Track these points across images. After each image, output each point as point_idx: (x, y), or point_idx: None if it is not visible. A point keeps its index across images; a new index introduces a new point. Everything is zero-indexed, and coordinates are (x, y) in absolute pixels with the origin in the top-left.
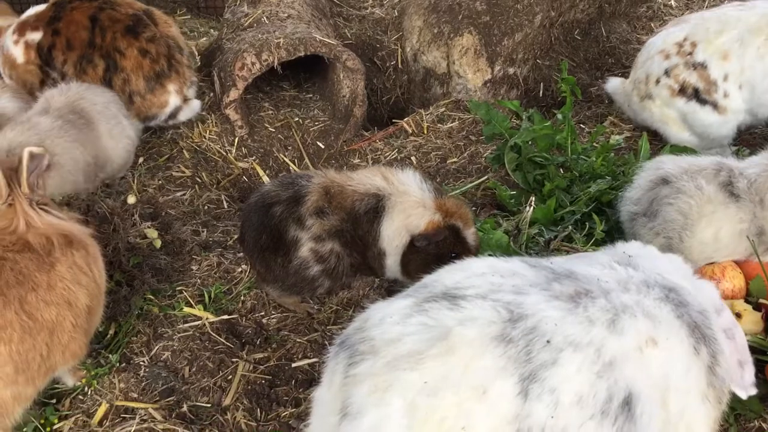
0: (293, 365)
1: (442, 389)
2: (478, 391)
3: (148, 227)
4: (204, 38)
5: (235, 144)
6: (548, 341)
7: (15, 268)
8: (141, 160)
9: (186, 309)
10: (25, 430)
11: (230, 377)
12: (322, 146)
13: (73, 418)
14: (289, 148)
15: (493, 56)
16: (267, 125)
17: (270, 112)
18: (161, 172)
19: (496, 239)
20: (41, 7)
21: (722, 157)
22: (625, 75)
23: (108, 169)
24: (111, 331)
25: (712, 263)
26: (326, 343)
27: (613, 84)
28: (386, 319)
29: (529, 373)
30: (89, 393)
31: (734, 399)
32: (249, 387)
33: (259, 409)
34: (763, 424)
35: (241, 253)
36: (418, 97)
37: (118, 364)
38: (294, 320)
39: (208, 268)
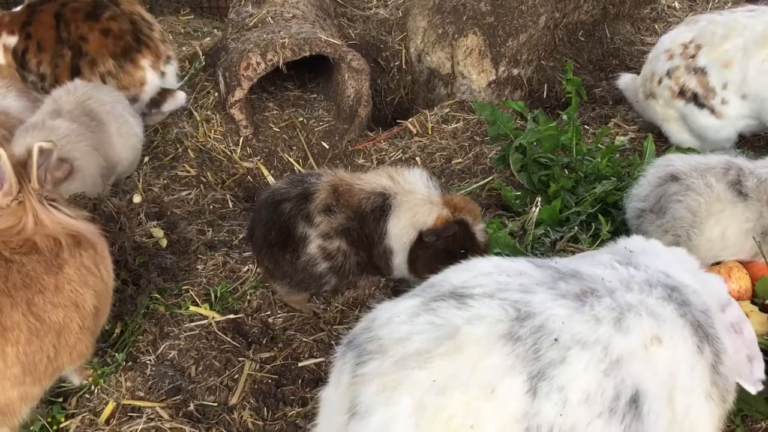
0: (300, 364)
1: (450, 388)
2: (486, 390)
3: (154, 226)
4: (208, 38)
5: (240, 144)
6: (556, 339)
7: (22, 270)
8: (146, 159)
9: (192, 308)
10: (32, 428)
11: (237, 376)
12: (327, 146)
13: (80, 417)
14: (294, 148)
15: (498, 57)
16: (272, 125)
17: (274, 112)
18: (166, 172)
19: (503, 240)
20: (17, 9)
21: (731, 157)
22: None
23: (119, 168)
24: (117, 330)
25: (718, 263)
26: (332, 342)
27: (625, 80)
28: (394, 318)
29: (538, 371)
30: (96, 392)
31: (741, 400)
32: (255, 386)
33: (265, 409)
34: None
35: (247, 253)
36: (422, 97)
37: (124, 363)
38: (300, 320)
39: (213, 267)
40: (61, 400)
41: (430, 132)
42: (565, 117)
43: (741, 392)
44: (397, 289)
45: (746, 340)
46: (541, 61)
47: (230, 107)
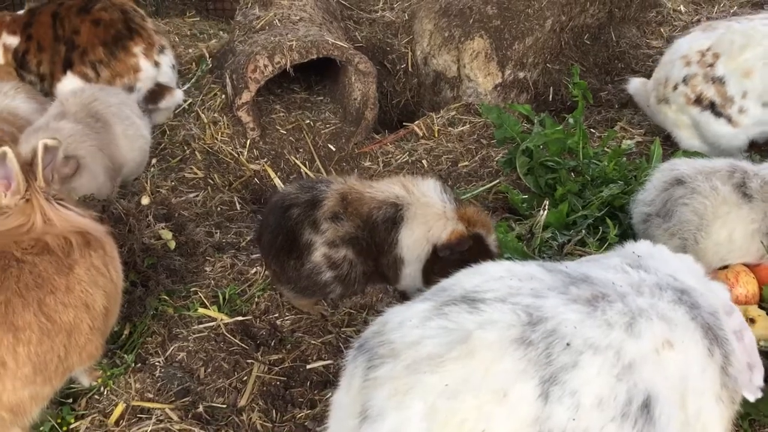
0: (308, 367)
1: (462, 392)
2: (498, 394)
3: (163, 228)
4: (214, 40)
5: (247, 146)
6: (568, 344)
7: (34, 271)
8: (154, 161)
9: (201, 310)
10: (42, 429)
11: (245, 378)
12: (333, 149)
13: (89, 418)
14: (301, 150)
15: (504, 60)
16: (278, 127)
17: (281, 114)
18: (174, 174)
19: (511, 243)
20: (21, 12)
21: (736, 160)
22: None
23: (125, 170)
24: (126, 332)
25: (725, 268)
26: (341, 345)
27: (635, 84)
28: (405, 322)
29: (550, 375)
30: (105, 393)
31: (748, 404)
32: (264, 388)
33: (274, 410)
34: None
35: (255, 255)
36: (428, 100)
37: (133, 365)
38: (308, 322)
39: (221, 269)
40: (71, 401)
41: (436, 135)
42: (571, 120)
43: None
44: (405, 293)
45: (746, 348)
46: (547, 65)
47: (237, 109)
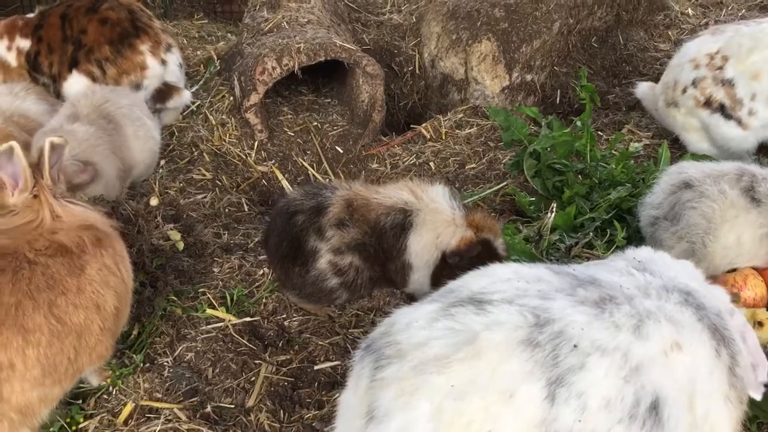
0: (315, 368)
1: (468, 393)
2: (505, 395)
3: (171, 229)
4: (222, 42)
5: (255, 148)
6: (575, 346)
7: (46, 272)
8: (162, 162)
9: (209, 311)
10: (51, 429)
11: (253, 379)
12: (341, 151)
13: (98, 418)
14: (308, 152)
15: (512, 63)
16: (286, 129)
17: (289, 116)
18: (182, 175)
19: (519, 245)
20: (31, 15)
21: (744, 163)
22: (642, 82)
23: (135, 171)
24: (135, 332)
25: (733, 271)
26: (348, 346)
27: (643, 88)
28: (412, 323)
29: (557, 377)
30: (114, 393)
31: (755, 406)
32: (272, 389)
33: (282, 411)
34: None
35: (262, 256)
36: (435, 102)
37: (142, 365)
38: (315, 323)
39: (229, 270)
40: (80, 401)
41: (443, 137)
42: (579, 123)
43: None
44: (413, 295)
45: (750, 348)
46: (555, 67)
47: (245, 111)
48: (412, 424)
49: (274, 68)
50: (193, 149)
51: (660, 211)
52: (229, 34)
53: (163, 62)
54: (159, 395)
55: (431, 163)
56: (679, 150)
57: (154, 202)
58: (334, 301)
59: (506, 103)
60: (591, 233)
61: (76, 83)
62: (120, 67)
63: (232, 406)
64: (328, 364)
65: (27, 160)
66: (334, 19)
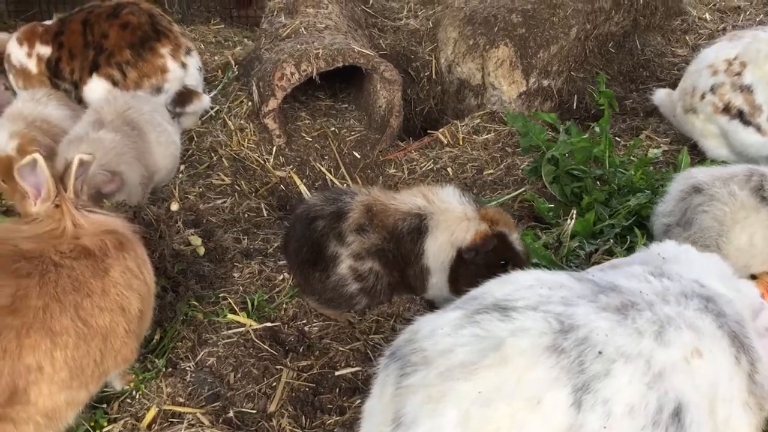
0: (336, 373)
1: (495, 400)
2: (531, 402)
3: (192, 234)
4: (239, 47)
5: (273, 153)
6: (600, 352)
7: (72, 275)
8: (182, 167)
9: (230, 316)
10: None
11: (275, 384)
12: (358, 156)
13: (122, 422)
14: (326, 157)
15: (529, 68)
16: (304, 134)
17: (307, 121)
18: (201, 180)
19: (539, 252)
20: (50, 22)
21: (754, 165)
22: (659, 88)
23: (158, 177)
24: (157, 336)
25: (754, 278)
26: (368, 352)
27: (660, 95)
28: (437, 330)
29: (582, 383)
30: (137, 397)
31: None
32: (293, 394)
33: (303, 416)
34: None
35: (282, 261)
36: (451, 108)
37: (164, 369)
38: (336, 329)
39: (249, 275)
40: (104, 405)
41: (461, 143)
42: (597, 129)
43: None
44: (432, 302)
45: None
46: (572, 72)
47: (264, 117)
48: (439, 430)
49: (292, 74)
50: (212, 154)
51: (672, 219)
52: (245, 39)
53: (184, 65)
54: (182, 400)
55: (449, 169)
56: (697, 156)
57: (174, 207)
58: (354, 307)
59: (523, 109)
60: (611, 240)
61: (96, 87)
62: (141, 71)
63: (254, 411)
64: (349, 369)
65: (50, 171)
66: (351, 25)
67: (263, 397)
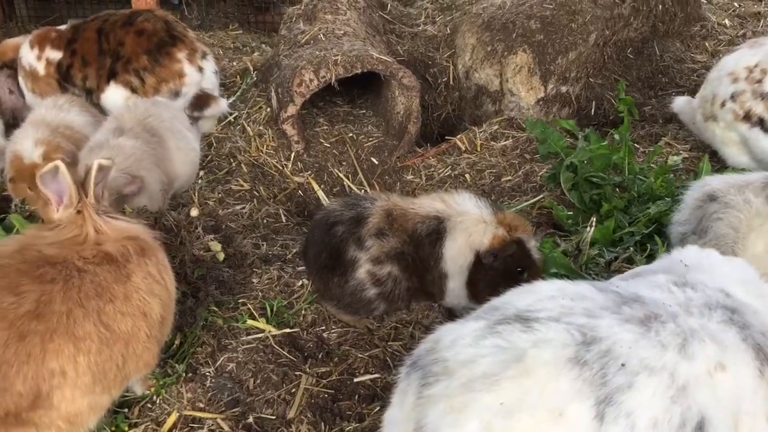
0: (355, 380)
1: (518, 411)
2: (554, 414)
3: (212, 240)
4: (256, 53)
5: (292, 159)
6: (623, 364)
7: (95, 280)
8: (201, 173)
9: (249, 321)
10: None
11: (294, 390)
12: (376, 162)
13: (142, 426)
14: (344, 163)
15: (547, 74)
16: (322, 140)
17: (325, 127)
18: (221, 186)
19: (558, 260)
20: (63, 27)
21: None
22: (678, 94)
23: (177, 183)
24: (177, 342)
25: None
26: (387, 359)
27: (680, 103)
28: (458, 340)
29: (605, 396)
30: (158, 402)
31: None
32: (312, 400)
33: (323, 423)
34: None
35: (300, 267)
36: (469, 114)
37: (184, 374)
38: (354, 335)
39: (268, 281)
40: (125, 410)
41: (479, 149)
42: (616, 136)
43: None
44: (451, 310)
45: None
46: (590, 79)
47: (282, 123)
48: None
49: (311, 80)
50: (231, 160)
51: (688, 227)
52: (263, 45)
53: (200, 69)
54: (202, 405)
55: (467, 175)
56: (717, 164)
57: (194, 212)
58: (372, 312)
59: (541, 115)
60: (631, 248)
61: (113, 94)
62: (158, 76)
63: (274, 417)
64: (368, 376)
65: (72, 177)
66: (369, 31)
67: (282, 403)
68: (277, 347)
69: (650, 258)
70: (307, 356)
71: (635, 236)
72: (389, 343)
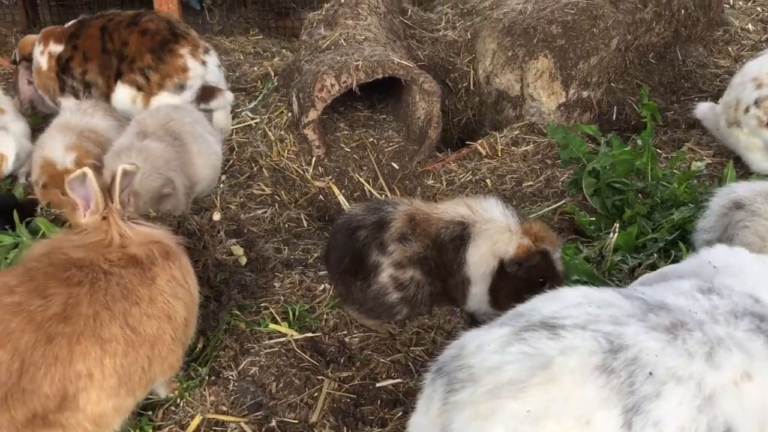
0: (377, 385)
1: (544, 419)
2: (580, 422)
3: (234, 244)
4: (277, 58)
5: (312, 163)
6: (650, 373)
7: (120, 282)
8: (223, 177)
9: (271, 325)
10: None
11: (316, 394)
12: (397, 167)
13: (166, 429)
14: (364, 168)
15: (568, 80)
16: (343, 145)
17: (345, 132)
18: (242, 190)
19: (581, 266)
20: (69, 23)
21: None
22: (701, 99)
23: (198, 188)
24: (200, 345)
25: None
26: (409, 364)
27: (702, 109)
28: (484, 347)
29: (633, 404)
30: (181, 405)
31: None
32: (334, 405)
33: (345, 427)
34: None
35: (322, 272)
36: (489, 119)
37: (207, 378)
38: (376, 340)
39: (290, 285)
40: (150, 412)
41: (499, 154)
42: (639, 142)
43: None
44: (473, 315)
45: None
46: (611, 84)
47: (304, 127)
48: None
49: (332, 85)
50: (253, 164)
51: (713, 234)
52: (283, 50)
53: (204, 63)
54: (225, 408)
55: (487, 180)
56: (741, 169)
57: (216, 217)
58: (395, 317)
59: (562, 120)
60: (654, 254)
61: (120, 93)
62: (162, 72)
63: (296, 421)
64: (390, 381)
65: (99, 184)
66: (390, 36)
67: (305, 407)
68: (299, 351)
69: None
70: (329, 361)
71: (659, 242)
72: (411, 348)
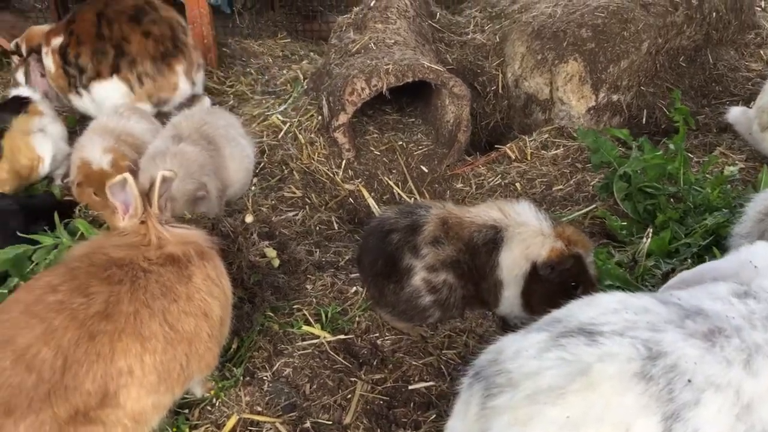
0: (410, 387)
1: (583, 425)
2: (619, 428)
3: (267, 246)
4: (305, 61)
5: (342, 166)
6: (689, 380)
7: (159, 280)
8: (254, 180)
9: (305, 327)
10: None
11: (349, 396)
12: (426, 170)
13: (202, 428)
14: (394, 171)
15: (598, 83)
16: (372, 148)
17: (375, 135)
18: (273, 193)
19: (613, 271)
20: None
21: None
22: (732, 103)
23: (231, 190)
24: (234, 346)
25: None
26: (442, 367)
27: (735, 113)
28: (522, 352)
29: (672, 412)
30: (217, 404)
31: None
32: (368, 407)
33: (379, 430)
34: None
35: (353, 274)
36: (518, 122)
37: (242, 378)
38: (408, 343)
39: (322, 287)
40: (186, 411)
41: (529, 158)
42: (671, 146)
43: None
44: (505, 319)
45: None
46: (641, 87)
47: (334, 131)
48: None
49: (363, 89)
50: (284, 167)
51: (750, 240)
52: (311, 53)
53: (193, 84)
54: (260, 409)
55: (517, 184)
56: None
57: (249, 219)
58: (427, 320)
59: (591, 124)
60: (688, 260)
61: (114, 86)
62: (157, 84)
63: (330, 422)
64: (423, 384)
65: (138, 189)
66: (419, 40)
67: (338, 409)
68: (332, 353)
69: None
70: (361, 363)
71: (692, 248)
72: (443, 352)
